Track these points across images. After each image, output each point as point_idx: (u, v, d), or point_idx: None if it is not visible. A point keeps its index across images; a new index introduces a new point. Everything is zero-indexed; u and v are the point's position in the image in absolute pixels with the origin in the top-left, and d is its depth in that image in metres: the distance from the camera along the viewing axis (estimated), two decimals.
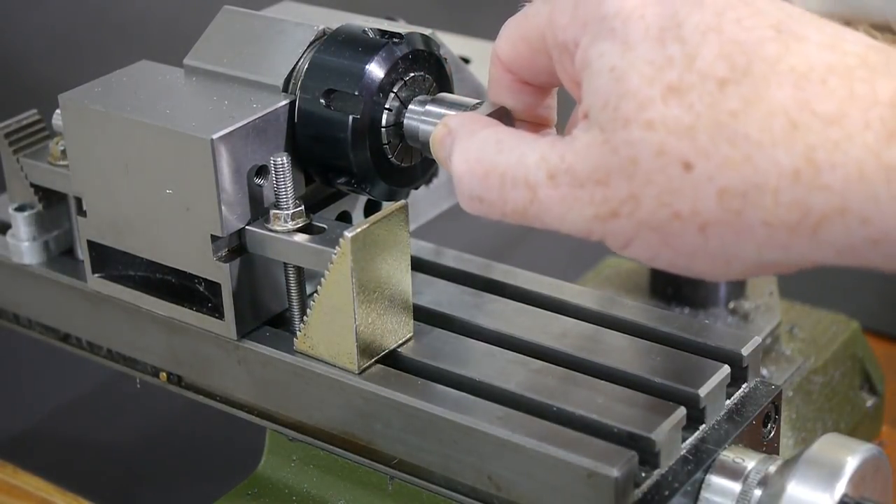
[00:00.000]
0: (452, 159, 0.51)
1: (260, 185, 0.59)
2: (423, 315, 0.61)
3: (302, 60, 0.60)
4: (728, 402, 0.57)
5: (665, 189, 0.44)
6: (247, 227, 0.59)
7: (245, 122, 0.58)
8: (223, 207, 0.57)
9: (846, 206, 0.42)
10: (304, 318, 0.58)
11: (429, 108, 0.59)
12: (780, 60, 0.43)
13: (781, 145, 0.42)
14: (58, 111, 0.64)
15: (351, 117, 0.58)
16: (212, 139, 0.56)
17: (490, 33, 0.78)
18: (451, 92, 0.61)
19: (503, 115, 0.57)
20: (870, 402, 0.78)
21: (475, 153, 0.50)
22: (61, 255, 0.69)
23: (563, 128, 0.56)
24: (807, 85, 0.43)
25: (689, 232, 0.45)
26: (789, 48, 0.43)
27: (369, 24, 0.60)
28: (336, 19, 0.62)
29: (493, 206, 0.50)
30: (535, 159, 0.48)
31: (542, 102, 0.55)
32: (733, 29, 0.44)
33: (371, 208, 0.66)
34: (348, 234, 0.55)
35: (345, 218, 0.65)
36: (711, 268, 0.46)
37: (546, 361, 0.58)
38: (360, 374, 0.57)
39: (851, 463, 0.53)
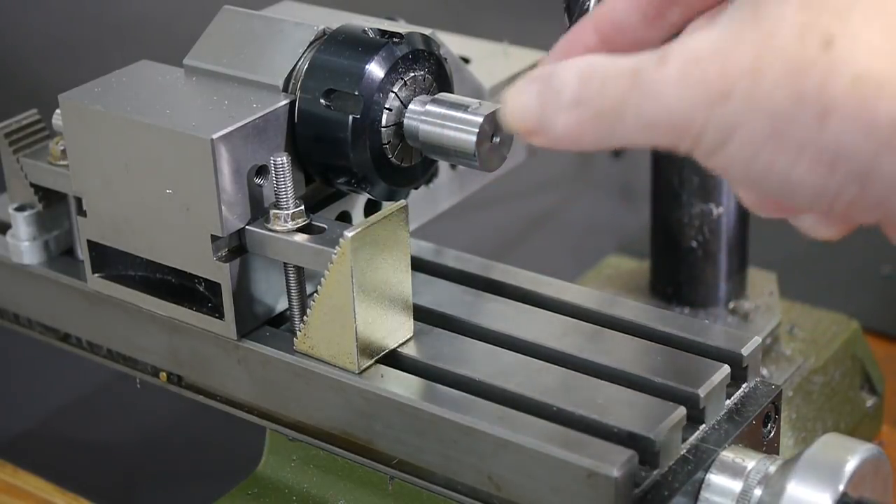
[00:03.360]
0: (553, 81, 0.46)
1: (260, 185, 0.59)
2: (423, 315, 0.61)
3: (302, 60, 0.60)
4: (728, 402, 0.57)
5: (794, 63, 0.40)
6: (247, 227, 0.59)
7: (245, 122, 0.58)
8: (223, 207, 0.57)
9: None
10: (304, 318, 0.58)
11: (429, 108, 0.59)
12: None
13: None
14: (58, 111, 0.64)
15: (351, 117, 0.58)
16: (212, 139, 0.56)
17: (490, 33, 0.78)
18: (451, 92, 0.61)
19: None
20: (870, 402, 0.78)
21: (584, 63, 0.46)
22: (61, 255, 0.69)
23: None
24: None
25: (807, 118, 0.40)
26: None
27: (369, 24, 0.60)
28: (336, 19, 0.62)
29: (590, 104, 0.45)
30: (649, 53, 0.44)
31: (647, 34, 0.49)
32: None
33: (371, 208, 0.66)
34: (348, 234, 0.55)
35: (345, 218, 0.65)
36: (811, 174, 0.41)
37: (546, 361, 0.58)
38: (360, 374, 0.57)
39: (851, 463, 0.53)
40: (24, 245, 0.68)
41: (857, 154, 0.40)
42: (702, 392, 0.55)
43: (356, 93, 0.58)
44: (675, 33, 0.48)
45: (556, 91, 0.45)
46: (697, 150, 0.43)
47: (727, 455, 0.55)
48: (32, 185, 0.67)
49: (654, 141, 0.44)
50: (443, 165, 0.69)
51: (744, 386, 0.58)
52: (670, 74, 0.42)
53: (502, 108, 0.48)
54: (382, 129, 0.59)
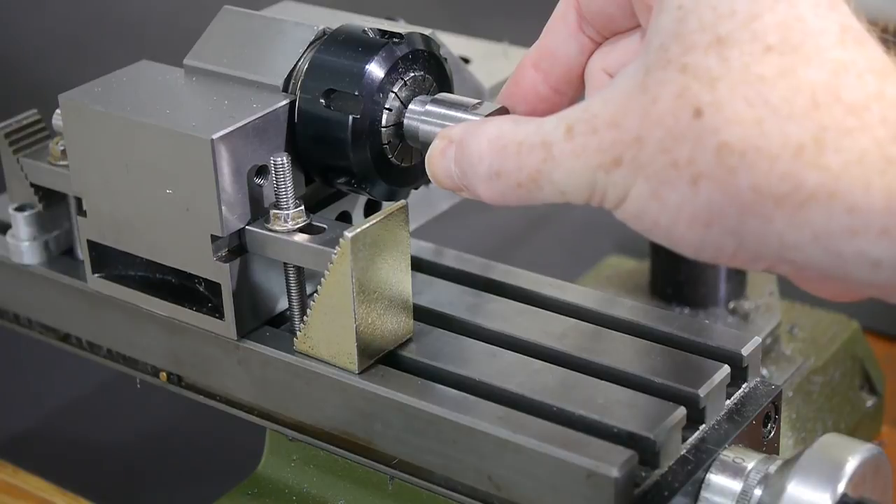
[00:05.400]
0: (467, 151, 0.51)
1: (260, 185, 0.59)
2: (423, 315, 0.61)
3: (302, 60, 0.60)
4: (728, 402, 0.57)
5: (670, 133, 0.45)
6: (247, 227, 0.59)
7: (245, 122, 0.58)
8: (223, 207, 0.57)
9: (837, 190, 0.42)
10: (304, 318, 0.58)
11: (429, 108, 0.59)
12: (830, 50, 0.44)
13: (796, 119, 0.43)
14: (58, 111, 0.64)
15: (351, 117, 0.58)
16: (212, 139, 0.56)
17: (490, 33, 0.78)
18: (451, 92, 0.61)
19: (503, 115, 0.57)
20: (870, 402, 0.78)
21: (494, 132, 0.51)
22: (61, 255, 0.69)
23: None
24: (844, 75, 0.43)
25: (681, 182, 0.45)
26: (846, 46, 0.44)
27: (369, 24, 0.60)
28: (336, 19, 0.62)
29: (509, 177, 0.50)
30: (555, 120, 0.48)
31: (575, 73, 0.55)
32: (806, 10, 0.45)
33: (371, 208, 0.66)
34: (348, 234, 0.55)
35: (345, 218, 0.65)
36: (690, 231, 0.45)
37: (546, 361, 0.58)
38: (360, 374, 0.57)
39: (851, 463, 0.53)
40: (24, 245, 0.68)
41: (726, 216, 0.44)
42: (702, 392, 0.55)
43: (356, 93, 0.58)
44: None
45: (472, 164, 0.51)
46: (604, 206, 0.48)
47: (727, 455, 0.55)
48: (32, 185, 0.67)
49: (569, 201, 0.49)
50: None
51: (744, 386, 0.58)
52: (573, 148, 0.47)
53: (427, 163, 0.54)
54: (382, 129, 0.59)
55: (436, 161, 0.54)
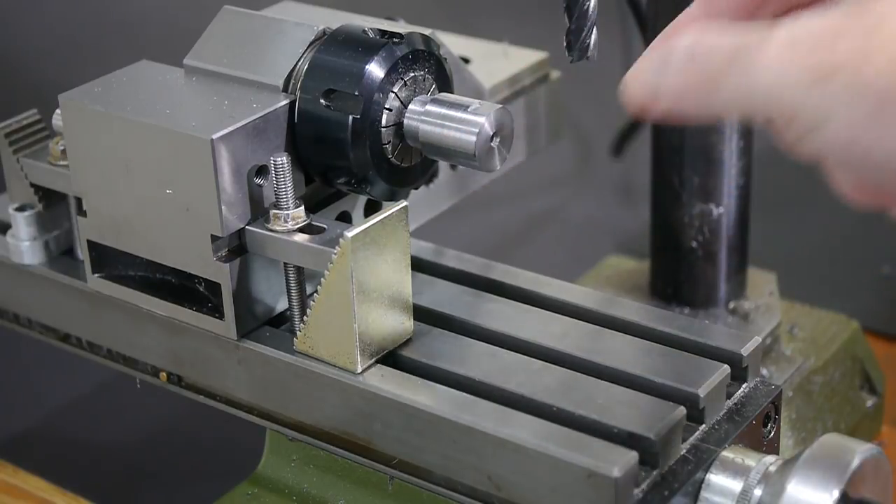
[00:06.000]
0: (672, 42, 0.47)
1: (260, 185, 0.59)
2: (423, 315, 0.61)
3: (302, 60, 0.60)
4: (728, 402, 0.57)
5: None
6: (247, 227, 0.59)
7: (245, 122, 0.58)
8: (223, 207, 0.57)
9: None
10: (304, 318, 0.58)
11: (429, 108, 0.59)
12: None
13: None
14: (58, 111, 0.64)
15: (351, 117, 0.58)
16: (212, 139, 0.56)
17: (490, 33, 0.78)
18: (451, 92, 0.61)
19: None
20: (870, 402, 0.78)
21: (700, 29, 0.47)
22: (61, 255, 0.69)
23: None
24: None
25: None
26: None
27: (369, 24, 0.61)
28: (336, 19, 0.62)
29: (693, 70, 0.46)
30: (764, 25, 0.45)
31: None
32: None
33: (371, 208, 0.66)
34: (348, 234, 0.55)
35: (345, 218, 0.65)
36: None
37: (546, 361, 0.58)
38: (360, 374, 0.57)
39: (851, 463, 0.53)
40: (25, 245, 0.68)
41: None
42: (702, 392, 0.55)
43: (356, 93, 0.58)
44: None
45: (670, 53, 0.47)
46: (793, 127, 0.44)
47: (727, 455, 0.55)
48: (32, 185, 0.67)
49: (752, 114, 0.45)
50: (443, 165, 0.69)
51: (744, 386, 0.58)
52: (772, 52, 0.44)
53: (625, 84, 0.49)
54: (382, 129, 0.59)
55: (637, 65, 0.49)
